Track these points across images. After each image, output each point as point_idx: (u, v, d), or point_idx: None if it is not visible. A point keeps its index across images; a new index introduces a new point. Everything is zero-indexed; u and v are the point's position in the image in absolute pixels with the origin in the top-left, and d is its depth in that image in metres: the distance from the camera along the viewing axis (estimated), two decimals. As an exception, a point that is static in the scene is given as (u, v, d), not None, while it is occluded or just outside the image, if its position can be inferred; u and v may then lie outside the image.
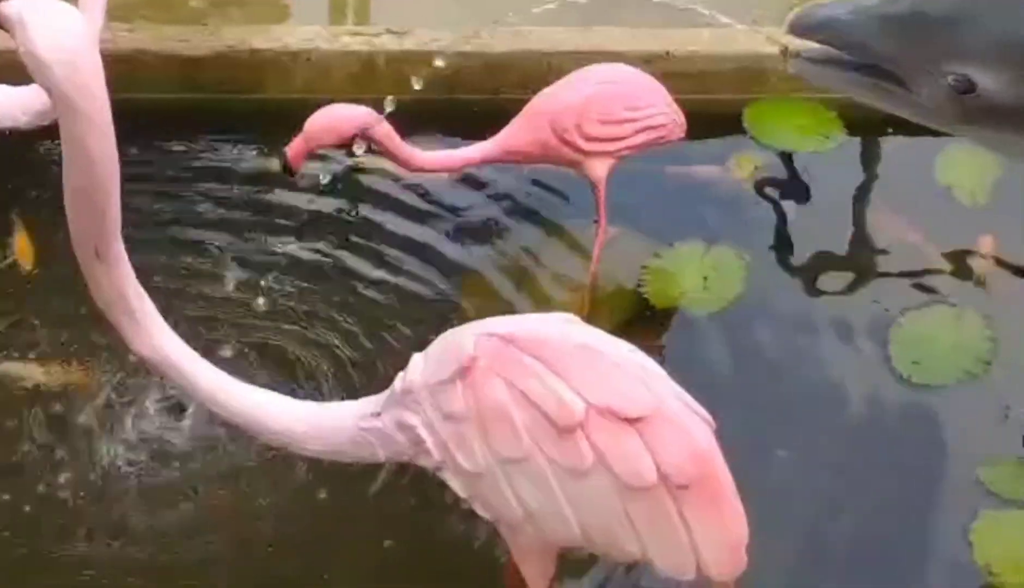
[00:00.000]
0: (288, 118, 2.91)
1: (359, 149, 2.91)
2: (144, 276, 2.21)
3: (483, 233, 3.27)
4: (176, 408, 2.74)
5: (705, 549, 2.05)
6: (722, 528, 2.06)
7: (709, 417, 2.12)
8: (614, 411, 2.03)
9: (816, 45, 2.37)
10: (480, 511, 2.14)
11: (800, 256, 3.28)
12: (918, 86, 2.26)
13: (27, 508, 2.58)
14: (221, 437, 2.67)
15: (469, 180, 3.34)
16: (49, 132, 2.29)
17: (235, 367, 2.55)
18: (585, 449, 2.02)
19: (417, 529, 2.58)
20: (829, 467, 2.76)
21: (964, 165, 3.34)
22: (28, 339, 2.89)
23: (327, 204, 3.30)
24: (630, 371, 2.09)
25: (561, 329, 2.15)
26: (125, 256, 2.13)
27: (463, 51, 3.40)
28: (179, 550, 2.54)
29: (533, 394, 2.04)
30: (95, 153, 1.98)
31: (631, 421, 2.03)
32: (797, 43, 2.44)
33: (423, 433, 2.12)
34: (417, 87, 3.04)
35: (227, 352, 2.84)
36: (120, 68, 3.27)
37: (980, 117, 2.24)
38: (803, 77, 2.52)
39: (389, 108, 2.89)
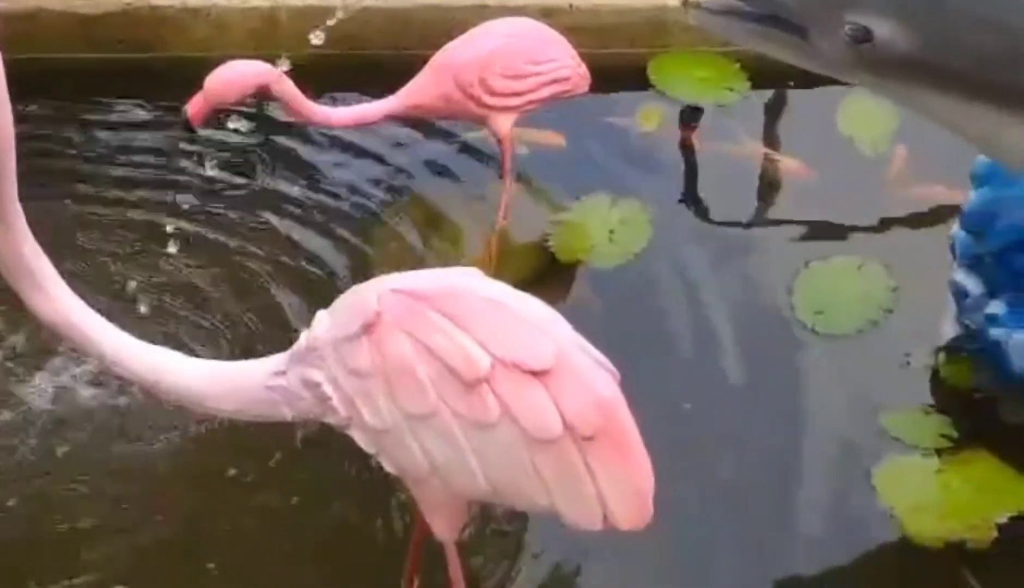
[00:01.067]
0: (189, 75, 2.88)
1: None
2: (44, 236, 2.17)
3: (390, 189, 3.26)
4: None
5: (612, 500, 2.06)
6: (628, 478, 2.06)
7: (614, 369, 2.12)
8: (519, 364, 2.03)
9: (717, -4, 2.39)
10: (387, 466, 2.14)
11: (705, 208, 3.31)
12: (817, 36, 2.28)
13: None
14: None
15: (374, 135, 3.32)
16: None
17: (142, 329, 2.52)
18: (491, 402, 2.02)
19: (323, 487, 2.58)
20: (734, 417, 2.78)
21: (865, 116, 3.37)
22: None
23: (231, 160, 3.27)
24: (535, 324, 2.09)
25: (466, 283, 2.15)
26: (23, 217, 2.09)
27: (365, 6, 3.38)
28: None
29: (438, 349, 2.04)
30: (-12, 113, 1.95)
31: (536, 374, 2.03)
32: (698, -6, 2.45)
33: (328, 390, 2.11)
34: (319, 43, 3.03)
35: (132, 313, 2.81)
36: (19, 26, 3.25)
37: (877, 67, 2.27)
38: (704, 28, 2.53)
39: (289, 64, 2.87)
